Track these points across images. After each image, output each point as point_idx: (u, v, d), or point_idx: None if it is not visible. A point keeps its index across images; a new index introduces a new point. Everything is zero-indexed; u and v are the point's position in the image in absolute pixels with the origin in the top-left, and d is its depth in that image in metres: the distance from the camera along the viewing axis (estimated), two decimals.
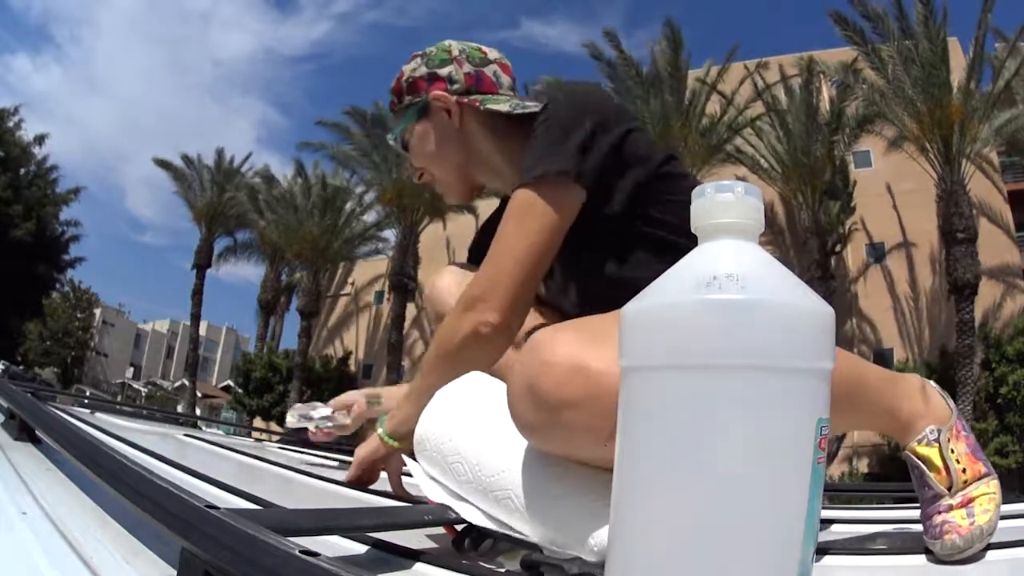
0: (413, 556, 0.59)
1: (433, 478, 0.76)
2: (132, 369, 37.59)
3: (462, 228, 16.29)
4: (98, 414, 1.91)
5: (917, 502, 0.77)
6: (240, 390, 19.09)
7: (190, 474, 0.89)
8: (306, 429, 1.40)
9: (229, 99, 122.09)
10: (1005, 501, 0.78)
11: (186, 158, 20.85)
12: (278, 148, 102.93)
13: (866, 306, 16.33)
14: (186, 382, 22.56)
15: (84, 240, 25.56)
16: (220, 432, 1.86)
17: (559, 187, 0.91)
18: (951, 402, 0.82)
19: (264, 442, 2.15)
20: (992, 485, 0.75)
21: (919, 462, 0.76)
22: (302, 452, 1.82)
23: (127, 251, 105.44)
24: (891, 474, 12.64)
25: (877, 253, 16.69)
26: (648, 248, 0.95)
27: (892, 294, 16.26)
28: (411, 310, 17.85)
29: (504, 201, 1.16)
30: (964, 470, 0.74)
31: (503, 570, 0.61)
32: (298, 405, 1.43)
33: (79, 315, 29.50)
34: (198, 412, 19.96)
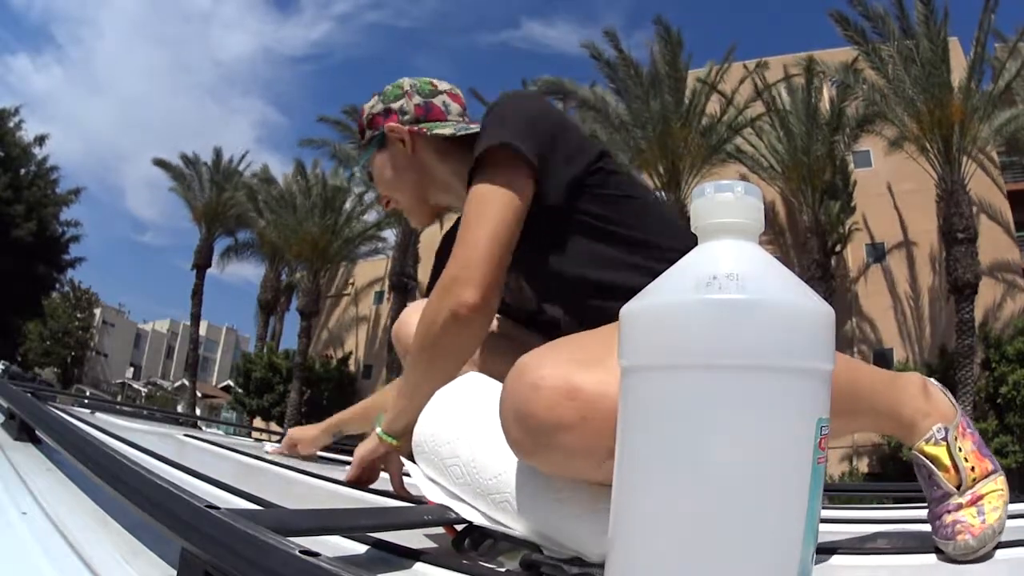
0: (413, 556, 0.59)
1: (432, 479, 0.76)
2: (132, 369, 37.60)
3: None
4: (98, 414, 1.91)
5: (917, 502, 0.77)
6: (240, 390, 19.10)
7: (190, 474, 0.89)
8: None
9: (229, 99, 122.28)
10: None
11: (185, 158, 20.87)
12: (278, 148, 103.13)
13: (866, 306, 16.32)
14: (186, 382, 22.58)
15: (84, 240, 25.48)
16: (220, 432, 1.86)
17: (507, 168, 0.95)
18: (954, 399, 0.82)
19: (264, 442, 2.15)
20: (1000, 482, 0.75)
21: (927, 461, 0.75)
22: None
23: (127, 251, 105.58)
24: (891, 474, 12.64)
25: (877, 253, 16.68)
26: (585, 240, 0.98)
27: (892, 294, 16.25)
28: None
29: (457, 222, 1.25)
30: (972, 468, 0.74)
31: (503, 570, 0.60)
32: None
33: (79, 315, 29.53)
34: (198, 412, 19.97)
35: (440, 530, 0.71)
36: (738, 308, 0.40)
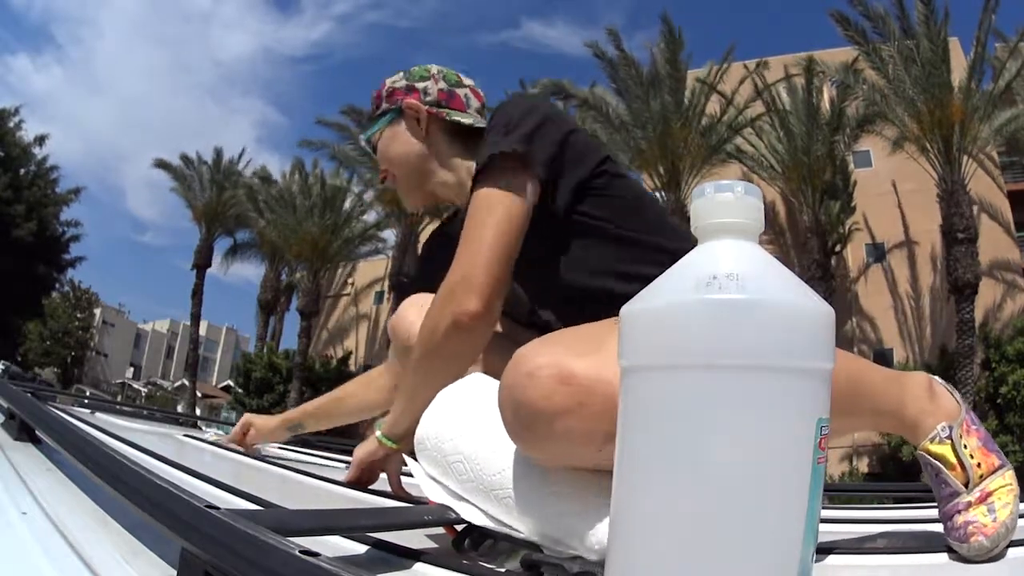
0: (413, 556, 0.59)
1: (433, 478, 0.76)
2: (132, 369, 37.59)
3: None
4: (98, 414, 1.90)
5: (917, 502, 0.77)
6: (240, 390, 19.08)
7: (190, 474, 0.89)
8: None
9: (229, 99, 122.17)
10: None
11: (185, 158, 20.85)
12: (278, 148, 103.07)
13: (866, 306, 16.32)
14: (186, 382, 22.57)
15: (84, 240, 25.60)
16: (220, 432, 1.86)
17: (514, 174, 0.94)
18: (959, 397, 0.82)
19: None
20: (1008, 476, 0.75)
21: (933, 460, 0.75)
22: (302, 452, 1.82)
23: (127, 251, 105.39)
24: (891, 474, 12.63)
25: (877, 253, 16.68)
26: (581, 244, 0.98)
27: (892, 294, 16.25)
28: None
29: (444, 222, 1.35)
30: (979, 464, 0.74)
31: (503, 570, 0.61)
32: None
33: (79, 315, 29.50)
34: (198, 412, 19.96)
35: (440, 530, 0.71)
36: (738, 308, 0.40)
